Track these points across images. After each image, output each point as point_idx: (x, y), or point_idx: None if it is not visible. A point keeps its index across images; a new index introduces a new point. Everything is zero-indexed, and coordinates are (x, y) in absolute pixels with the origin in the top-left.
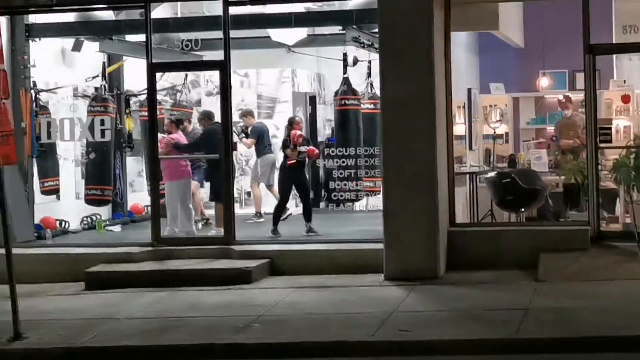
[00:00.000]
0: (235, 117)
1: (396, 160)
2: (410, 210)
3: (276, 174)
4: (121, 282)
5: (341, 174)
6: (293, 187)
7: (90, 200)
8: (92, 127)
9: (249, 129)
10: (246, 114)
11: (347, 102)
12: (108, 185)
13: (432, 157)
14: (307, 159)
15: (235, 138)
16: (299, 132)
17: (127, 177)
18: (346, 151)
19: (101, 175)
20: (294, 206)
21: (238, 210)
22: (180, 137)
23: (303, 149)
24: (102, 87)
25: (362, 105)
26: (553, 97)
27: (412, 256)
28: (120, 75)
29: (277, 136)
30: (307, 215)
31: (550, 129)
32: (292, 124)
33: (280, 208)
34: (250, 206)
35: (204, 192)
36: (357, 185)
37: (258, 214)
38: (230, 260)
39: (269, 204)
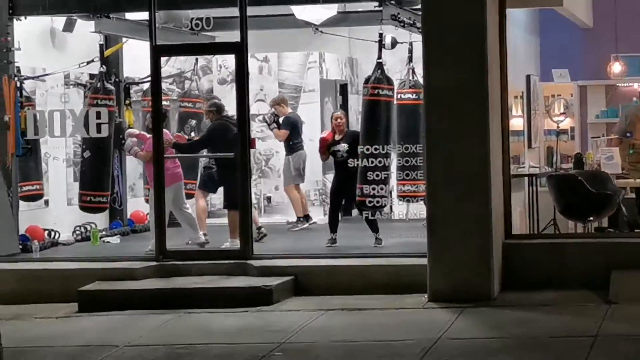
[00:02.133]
0: (254, 108)
1: (442, 160)
2: (459, 219)
3: (310, 172)
4: (120, 302)
5: (372, 176)
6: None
7: (85, 208)
8: (87, 121)
9: (281, 119)
10: (279, 101)
11: (380, 91)
12: (105, 190)
13: (485, 157)
14: (345, 155)
15: (256, 132)
16: (324, 135)
17: (126, 180)
18: (378, 149)
19: (98, 178)
20: (322, 214)
21: (260, 219)
22: (176, 135)
23: (335, 147)
24: (102, 74)
25: (401, 95)
26: (627, 85)
27: (460, 273)
28: (119, 60)
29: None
30: (372, 225)
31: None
32: (331, 119)
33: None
34: (272, 214)
35: (217, 198)
36: (387, 189)
37: (302, 219)
38: (247, 278)
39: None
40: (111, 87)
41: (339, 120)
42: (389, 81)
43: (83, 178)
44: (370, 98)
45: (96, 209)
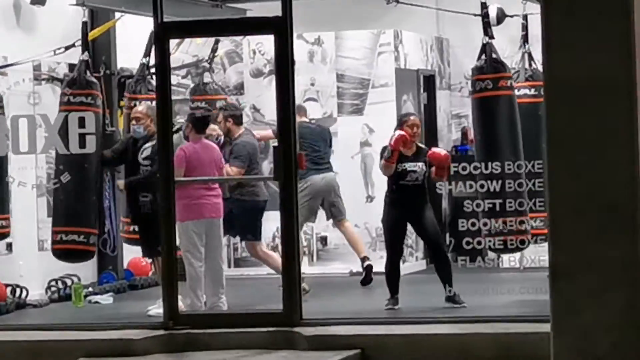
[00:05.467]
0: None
1: (569, 183)
2: (596, 268)
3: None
4: None
5: (480, 206)
6: (408, 229)
7: (63, 251)
8: (66, 129)
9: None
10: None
11: (492, 85)
12: (91, 226)
13: (632, 177)
14: (422, 178)
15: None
16: (398, 134)
17: (120, 213)
18: (491, 168)
19: (81, 210)
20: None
21: (307, 268)
22: (198, 147)
23: (410, 166)
24: (85, 64)
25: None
26: None
27: (597, 345)
28: (110, 44)
29: (370, 143)
30: (443, 274)
31: None
32: (402, 124)
33: (393, 265)
34: (328, 261)
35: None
36: (509, 224)
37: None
38: (294, 352)
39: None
40: (92, 80)
41: (415, 129)
42: (505, 67)
43: (57, 210)
44: (480, 95)
45: (75, 253)
